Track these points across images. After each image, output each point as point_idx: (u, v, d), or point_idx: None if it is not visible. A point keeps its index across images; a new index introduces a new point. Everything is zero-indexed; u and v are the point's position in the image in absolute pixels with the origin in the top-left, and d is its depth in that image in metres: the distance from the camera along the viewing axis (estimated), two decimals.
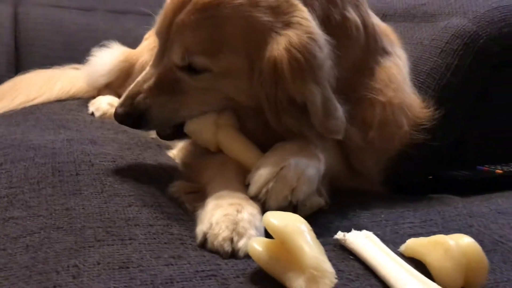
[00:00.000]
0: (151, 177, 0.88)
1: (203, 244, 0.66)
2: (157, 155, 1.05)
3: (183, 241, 0.67)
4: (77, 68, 1.65)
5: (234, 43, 0.76)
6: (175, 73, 0.81)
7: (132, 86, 0.84)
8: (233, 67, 0.78)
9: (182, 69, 0.80)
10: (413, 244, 0.66)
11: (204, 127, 0.84)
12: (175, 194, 0.80)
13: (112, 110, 1.38)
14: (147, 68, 0.85)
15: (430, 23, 1.17)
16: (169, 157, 1.02)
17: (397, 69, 0.92)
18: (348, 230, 0.69)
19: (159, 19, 0.82)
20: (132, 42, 1.65)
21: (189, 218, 0.74)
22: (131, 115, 0.83)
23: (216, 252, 0.64)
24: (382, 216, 0.80)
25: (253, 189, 0.73)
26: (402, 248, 0.67)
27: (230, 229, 0.65)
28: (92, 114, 1.40)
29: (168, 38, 0.80)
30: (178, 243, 0.66)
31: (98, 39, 2.26)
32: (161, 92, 0.82)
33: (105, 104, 1.40)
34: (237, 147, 0.83)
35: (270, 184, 0.72)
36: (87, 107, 1.47)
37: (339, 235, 0.68)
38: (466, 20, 1.08)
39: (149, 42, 1.46)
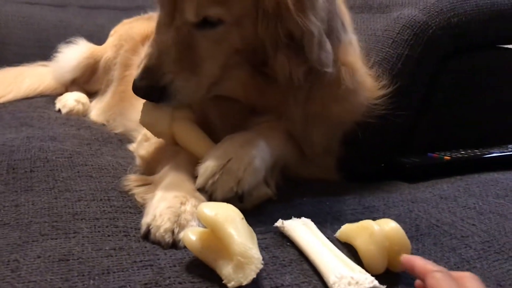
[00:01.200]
0: (105, 172, 0.90)
1: (146, 236, 0.68)
2: (116, 149, 1.07)
3: (127, 233, 0.69)
4: (45, 65, 1.66)
5: None
6: (190, 33, 0.80)
7: (146, 58, 0.81)
8: (242, 13, 0.79)
9: (197, 26, 0.80)
10: (345, 229, 0.69)
11: (159, 119, 0.84)
12: (126, 187, 0.82)
13: (79, 107, 1.40)
14: (153, 37, 0.83)
15: (384, 14, 1.20)
16: (128, 152, 1.04)
17: (353, 46, 0.97)
18: (291, 218, 0.72)
19: None
20: (105, 37, 1.65)
21: (137, 211, 0.76)
22: (155, 88, 0.80)
23: (158, 243, 0.66)
24: (327, 203, 0.83)
25: (199, 181, 0.76)
26: (337, 233, 0.70)
27: (172, 221, 0.68)
28: (59, 111, 1.41)
29: None
30: (122, 235, 0.69)
31: (71, 35, 2.26)
32: (181, 60, 0.80)
33: (71, 101, 1.41)
34: (191, 138, 0.84)
35: (216, 176, 0.75)
36: (54, 104, 1.48)
37: (279, 222, 0.71)
38: (417, 11, 1.10)
39: (114, 39, 1.48)
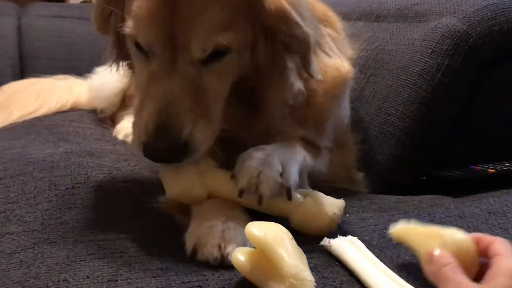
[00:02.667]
0: (145, 189, 0.90)
1: (193, 255, 0.67)
2: (154, 165, 1.07)
3: (172, 253, 0.69)
4: (64, 79, 1.67)
5: (241, 10, 0.72)
6: (197, 72, 0.71)
7: (154, 114, 0.69)
8: (245, 36, 0.74)
9: (203, 62, 0.71)
10: (405, 231, 0.66)
11: (188, 183, 0.73)
12: (166, 209, 0.80)
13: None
14: (151, 90, 0.71)
15: (421, 23, 1.18)
16: None
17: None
18: (336, 236, 0.70)
19: (143, 27, 0.70)
20: None
21: (179, 231, 0.75)
22: (176, 146, 0.69)
23: (206, 260, 0.65)
24: (371, 221, 0.81)
25: (242, 181, 0.70)
26: (393, 231, 0.67)
27: (217, 237, 0.67)
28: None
29: (175, 36, 0.69)
30: (167, 255, 0.68)
31: (99, 48, 2.31)
32: (194, 107, 0.70)
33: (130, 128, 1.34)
34: (229, 188, 0.73)
35: (257, 171, 0.70)
36: (88, 116, 1.50)
37: (325, 241, 0.70)
38: (456, 20, 1.08)
39: None
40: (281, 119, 0.86)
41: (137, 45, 0.73)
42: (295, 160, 0.77)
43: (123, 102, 1.45)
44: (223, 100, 0.76)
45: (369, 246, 0.70)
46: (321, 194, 0.75)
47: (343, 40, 1.00)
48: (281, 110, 0.84)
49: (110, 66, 0.92)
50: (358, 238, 0.69)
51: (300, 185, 0.77)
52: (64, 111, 1.55)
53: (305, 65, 0.78)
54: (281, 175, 0.72)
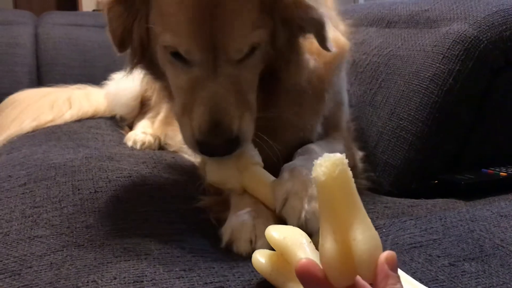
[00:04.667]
0: (165, 192, 0.93)
1: (227, 248, 0.73)
2: (172, 167, 1.11)
3: (194, 254, 0.71)
4: (80, 88, 1.70)
5: (265, 7, 0.77)
6: (235, 70, 0.77)
7: (206, 115, 0.75)
8: (269, 29, 0.79)
9: (241, 61, 0.77)
10: None
11: (226, 176, 0.80)
12: (205, 205, 0.85)
13: (149, 138, 1.38)
14: (198, 95, 0.76)
15: (432, 29, 1.20)
16: (184, 169, 1.07)
17: None
18: None
19: (184, 38, 0.74)
20: None
21: (200, 233, 0.79)
22: (231, 140, 0.76)
23: (240, 253, 0.71)
24: (384, 230, 0.82)
25: (292, 223, 0.72)
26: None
27: (248, 232, 0.72)
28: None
29: (214, 43, 0.74)
30: (190, 256, 0.71)
31: (114, 55, 2.35)
32: (237, 102, 0.77)
33: (140, 135, 1.35)
34: (261, 190, 0.79)
35: (306, 206, 0.73)
36: (105, 123, 1.54)
37: None
38: (467, 25, 1.10)
39: None
40: (289, 103, 0.90)
41: (174, 54, 0.77)
42: None
43: (141, 107, 1.49)
44: (256, 89, 0.82)
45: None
46: None
47: (335, 17, 1.04)
48: (293, 89, 0.88)
49: (129, 73, 0.94)
50: None
51: None
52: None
53: (321, 41, 0.82)
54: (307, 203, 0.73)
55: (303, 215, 0.72)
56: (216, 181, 0.81)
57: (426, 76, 1.11)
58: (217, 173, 0.80)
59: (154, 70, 0.90)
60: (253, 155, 0.81)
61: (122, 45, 0.85)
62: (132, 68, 0.93)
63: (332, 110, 1.01)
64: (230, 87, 0.76)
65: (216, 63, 0.75)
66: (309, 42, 0.86)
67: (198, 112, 0.76)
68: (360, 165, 1.06)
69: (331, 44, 0.82)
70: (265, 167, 0.82)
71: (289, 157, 0.89)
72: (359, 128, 1.21)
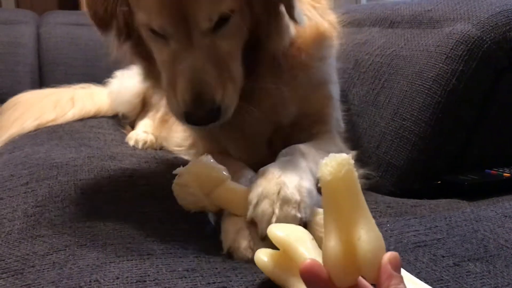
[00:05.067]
0: (167, 192, 0.92)
1: (229, 256, 0.71)
2: (173, 167, 1.10)
3: (197, 255, 0.71)
4: (84, 88, 1.70)
5: None
6: (211, 41, 0.79)
7: (189, 87, 0.78)
8: None
9: (214, 30, 0.79)
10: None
11: (197, 202, 0.76)
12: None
13: (150, 137, 1.38)
14: (178, 69, 0.79)
15: (435, 29, 1.19)
16: None
17: None
18: None
19: (154, 14, 0.78)
20: None
21: (203, 235, 0.78)
22: (214, 110, 0.80)
23: (241, 260, 0.70)
24: (388, 226, 0.82)
25: (263, 229, 0.69)
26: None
27: (247, 240, 0.71)
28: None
29: (184, 15, 0.77)
30: (192, 257, 0.70)
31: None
32: (218, 73, 0.79)
33: (141, 134, 1.36)
34: (234, 205, 0.75)
35: (276, 212, 0.69)
36: (107, 122, 1.53)
37: None
38: (470, 26, 1.09)
39: None
40: (268, 72, 0.90)
41: (153, 31, 0.81)
42: (306, 176, 0.77)
43: (144, 106, 1.48)
44: (239, 60, 0.83)
45: (386, 251, 0.71)
46: None
47: (324, 7, 1.04)
48: (272, 58, 0.90)
49: (116, 50, 0.97)
50: None
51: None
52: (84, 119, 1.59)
53: (289, 10, 0.84)
54: (299, 206, 0.71)
55: (273, 219, 0.69)
56: (189, 207, 0.77)
57: (429, 76, 1.10)
58: (190, 205, 0.76)
59: (139, 48, 0.92)
60: (217, 173, 0.75)
61: (104, 26, 0.89)
62: (119, 46, 0.95)
63: (319, 104, 1.00)
64: (209, 58, 0.79)
65: (191, 35, 0.78)
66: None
67: (180, 85, 0.80)
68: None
69: (300, 16, 0.84)
70: (247, 134, 0.85)
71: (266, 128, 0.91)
72: (357, 127, 1.21)
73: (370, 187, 1.05)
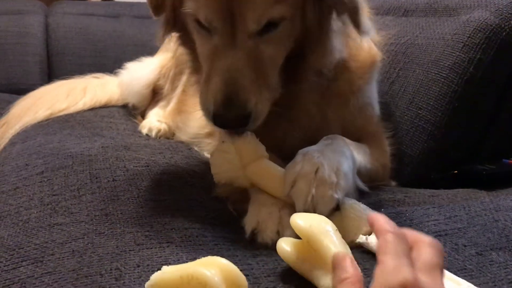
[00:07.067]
0: (184, 181, 0.92)
1: (252, 239, 0.71)
2: (188, 157, 1.10)
3: (216, 243, 0.71)
4: (98, 77, 1.69)
5: None
6: (255, 44, 0.76)
7: (222, 87, 0.74)
8: (296, 4, 0.78)
9: (260, 33, 0.76)
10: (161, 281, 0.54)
11: (232, 175, 0.78)
12: (222, 194, 0.84)
13: (164, 126, 1.37)
14: (215, 65, 0.76)
15: (452, 17, 1.17)
16: (200, 161, 1.06)
17: None
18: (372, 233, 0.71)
19: (202, 5, 0.75)
20: (158, 47, 1.69)
21: (221, 222, 0.78)
22: (244, 116, 0.75)
23: (265, 244, 0.69)
24: (407, 215, 0.81)
25: (299, 205, 0.71)
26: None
27: (275, 223, 0.71)
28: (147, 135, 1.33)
29: (233, 11, 0.74)
30: (212, 244, 0.70)
31: (125, 45, 2.35)
32: (255, 77, 0.76)
33: (155, 122, 1.35)
34: (269, 183, 0.76)
35: (312, 191, 0.70)
36: (118, 112, 1.53)
37: (361, 238, 0.70)
38: (488, 13, 1.08)
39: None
40: (310, 90, 0.89)
41: (199, 22, 0.78)
42: (345, 160, 0.77)
43: (154, 96, 1.48)
44: (278, 68, 0.80)
45: None
46: (362, 206, 0.74)
47: (371, 26, 1.01)
48: (316, 77, 0.88)
49: (161, 39, 0.94)
50: None
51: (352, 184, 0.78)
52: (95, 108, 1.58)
53: (356, 25, 0.81)
54: (336, 187, 0.71)
55: (309, 198, 0.70)
56: (222, 181, 0.79)
57: (446, 65, 1.09)
58: (223, 174, 0.78)
59: (186, 38, 0.91)
60: (257, 149, 0.77)
61: (157, 9, 0.87)
62: (164, 34, 0.92)
63: (363, 123, 0.98)
64: (249, 61, 0.75)
65: (236, 34, 0.75)
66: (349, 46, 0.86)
67: (214, 83, 0.76)
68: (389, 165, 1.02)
69: (368, 27, 0.82)
70: (280, 144, 0.82)
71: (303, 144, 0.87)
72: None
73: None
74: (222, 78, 0.75)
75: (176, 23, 0.89)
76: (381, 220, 0.55)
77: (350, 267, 0.54)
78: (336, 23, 0.83)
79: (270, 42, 0.77)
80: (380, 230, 0.54)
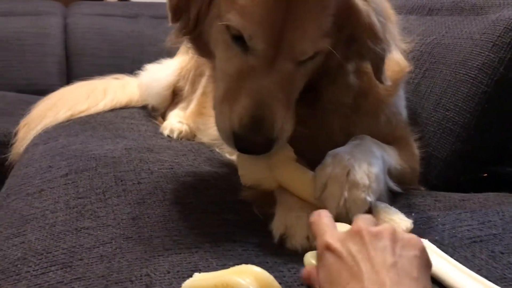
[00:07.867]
0: (208, 184, 0.91)
1: (281, 244, 0.70)
2: (211, 159, 1.09)
3: (245, 248, 0.69)
4: (118, 78, 1.68)
5: (339, 19, 0.75)
6: (292, 70, 0.74)
7: (250, 109, 0.71)
8: (333, 42, 0.75)
9: (301, 63, 0.75)
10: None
11: (260, 177, 0.77)
12: (247, 197, 0.82)
13: (185, 127, 1.36)
14: (247, 85, 0.73)
15: (479, 16, 1.15)
16: (223, 164, 1.05)
17: None
18: None
19: (253, 23, 0.71)
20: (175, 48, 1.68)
21: (248, 225, 0.76)
22: (270, 140, 0.73)
23: (295, 249, 0.68)
24: (439, 220, 0.79)
25: (332, 209, 0.69)
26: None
27: (304, 228, 0.69)
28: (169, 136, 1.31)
29: (282, 37, 0.71)
30: (241, 250, 0.69)
31: (143, 45, 2.35)
32: (284, 103, 0.74)
33: (176, 124, 1.34)
34: (298, 185, 0.75)
35: (345, 195, 0.70)
36: (138, 113, 1.52)
37: None
38: None
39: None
40: (335, 110, 0.87)
41: (234, 37, 0.74)
42: (376, 161, 0.76)
43: (173, 97, 1.47)
44: (298, 93, 0.79)
45: (441, 246, 0.69)
46: (393, 210, 0.74)
47: (397, 36, 0.98)
48: (335, 106, 0.87)
49: (172, 41, 0.90)
50: (428, 239, 0.69)
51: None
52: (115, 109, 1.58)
53: (377, 73, 0.80)
54: (368, 190, 0.71)
55: (341, 202, 0.69)
56: (250, 184, 0.78)
57: (474, 65, 1.06)
58: (250, 176, 0.76)
59: (200, 46, 0.88)
60: (285, 150, 0.76)
61: (175, 14, 0.82)
62: (177, 38, 0.88)
63: (391, 130, 0.96)
64: (282, 85, 0.73)
65: (277, 58, 0.72)
66: None
67: (242, 103, 0.72)
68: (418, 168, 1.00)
69: (387, 79, 0.81)
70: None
71: None
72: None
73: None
74: (253, 99, 0.71)
75: (193, 31, 0.84)
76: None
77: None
78: (352, 64, 0.83)
79: (303, 71, 0.76)
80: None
